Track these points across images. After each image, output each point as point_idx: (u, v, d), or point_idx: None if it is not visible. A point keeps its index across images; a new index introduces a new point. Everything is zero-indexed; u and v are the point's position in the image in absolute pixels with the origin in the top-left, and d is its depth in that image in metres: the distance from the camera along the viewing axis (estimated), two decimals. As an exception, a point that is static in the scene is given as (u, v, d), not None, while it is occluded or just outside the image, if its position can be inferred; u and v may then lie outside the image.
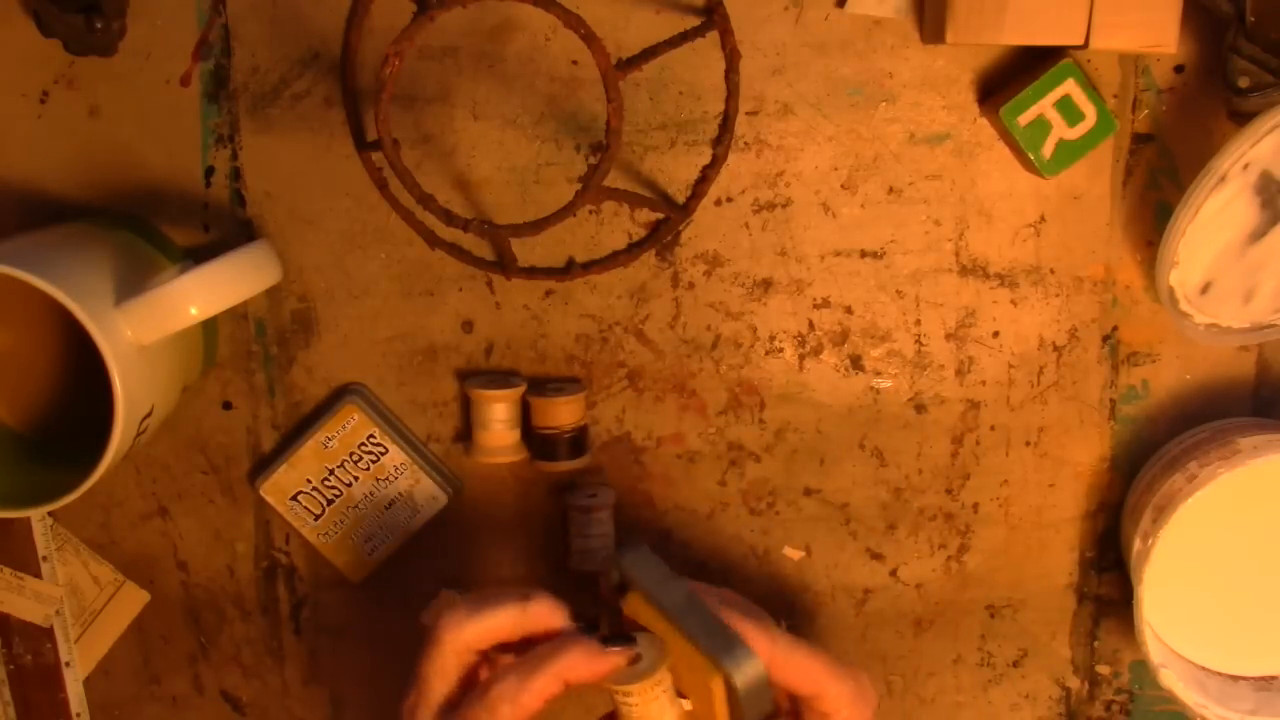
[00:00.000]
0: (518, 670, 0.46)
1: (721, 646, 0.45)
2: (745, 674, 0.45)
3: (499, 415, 0.58)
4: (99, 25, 0.54)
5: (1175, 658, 0.58)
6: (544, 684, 0.46)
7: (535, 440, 0.58)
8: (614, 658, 0.46)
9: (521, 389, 0.58)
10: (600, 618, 0.48)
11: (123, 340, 0.49)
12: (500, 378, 0.59)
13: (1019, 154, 0.56)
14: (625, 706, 0.46)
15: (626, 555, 0.49)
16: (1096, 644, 0.62)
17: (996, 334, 0.59)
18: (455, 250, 0.58)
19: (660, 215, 0.58)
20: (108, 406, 0.49)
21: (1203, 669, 0.59)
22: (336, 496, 0.60)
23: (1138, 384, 0.59)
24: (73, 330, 0.55)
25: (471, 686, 0.48)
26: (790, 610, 0.61)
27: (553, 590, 0.48)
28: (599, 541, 0.59)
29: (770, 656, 0.47)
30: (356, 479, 0.59)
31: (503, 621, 0.48)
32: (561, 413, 0.57)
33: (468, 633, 0.47)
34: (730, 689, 0.45)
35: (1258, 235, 0.54)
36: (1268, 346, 0.59)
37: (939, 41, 0.53)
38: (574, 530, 0.59)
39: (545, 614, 0.48)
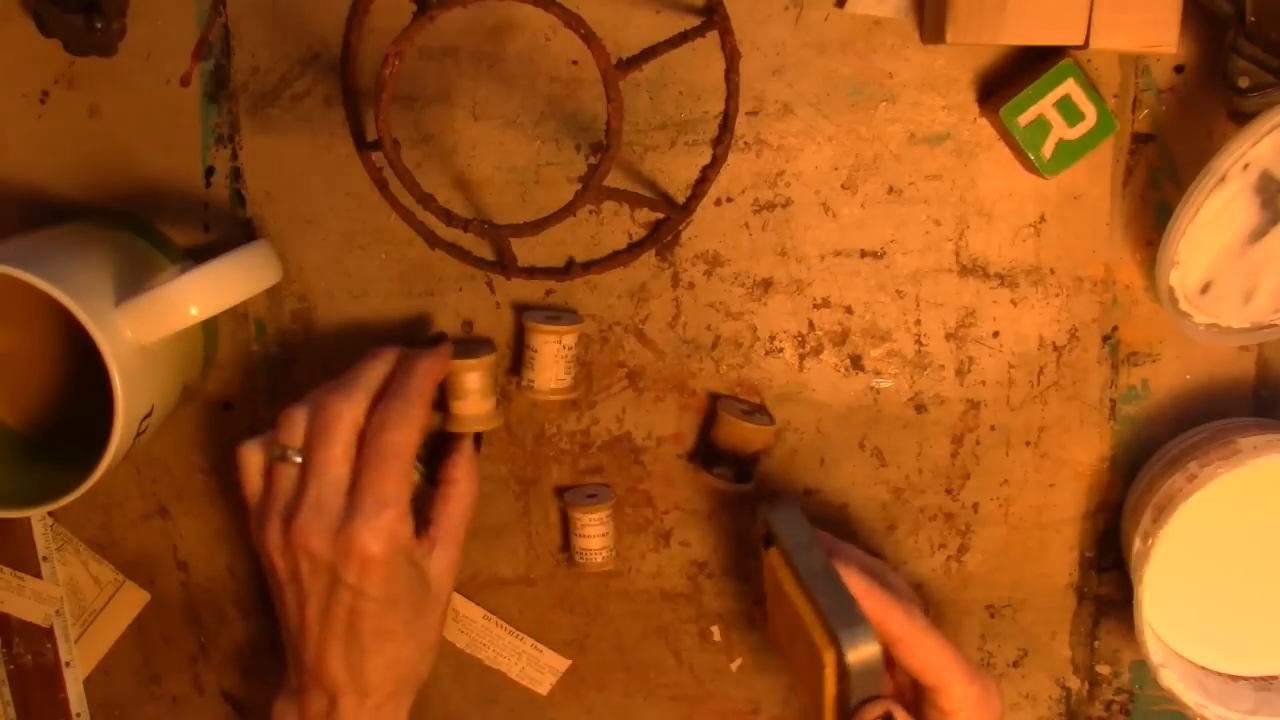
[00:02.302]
0: (398, 398, 0.52)
1: (843, 621, 0.47)
2: (859, 653, 0.47)
3: (472, 385, 0.57)
4: (99, 25, 0.54)
5: (1175, 658, 0.58)
6: (423, 395, 0.53)
7: (709, 447, 0.59)
8: (445, 348, 0.55)
9: (492, 357, 0.58)
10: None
11: (123, 340, 0.49)
12: (471, 347, 0.59)
13: (1019, 154, 0.56)
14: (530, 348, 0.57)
15: (776, 511, 0.50)
16: (1096, 644, 0.62)
17: (996, 334, 0.59)
18: (455, 250, 0.58)
19: (660, 215, 0.58)
20: (108, 406, 0.49)
21: (1203, 669, 0.59)
22: (336, 496, 0.60)
23: (1138, 384, 0.59)
24: (73, 330, 0.55)
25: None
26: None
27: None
28: (599, 541, 0.59)
29: (902, 637, 0.49)
30: (356, 479, 0.59)
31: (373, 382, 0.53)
32: (745, 437, 0.58)
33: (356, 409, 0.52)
34: (841, 664, 0.46)
35: (1258, 235, 0.54)
36: (1268, 346, 0.59)
37: (939, 41, 0.53)
38: (574, 530, 0.59)
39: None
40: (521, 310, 0.59)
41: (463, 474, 0.55)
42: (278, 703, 0.55)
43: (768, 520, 0.51)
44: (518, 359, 0.59)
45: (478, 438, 0.58)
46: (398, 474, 0.51)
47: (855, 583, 0.49)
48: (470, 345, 0.58)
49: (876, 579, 0.51)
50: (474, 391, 0.57)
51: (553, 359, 0.57)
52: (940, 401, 0.59)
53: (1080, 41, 0.52)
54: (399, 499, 0.51)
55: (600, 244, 0.58)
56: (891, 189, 0.57)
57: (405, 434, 0.51)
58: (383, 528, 0.50)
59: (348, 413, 0.52)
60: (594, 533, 0.59)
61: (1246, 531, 0.58)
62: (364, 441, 0.52)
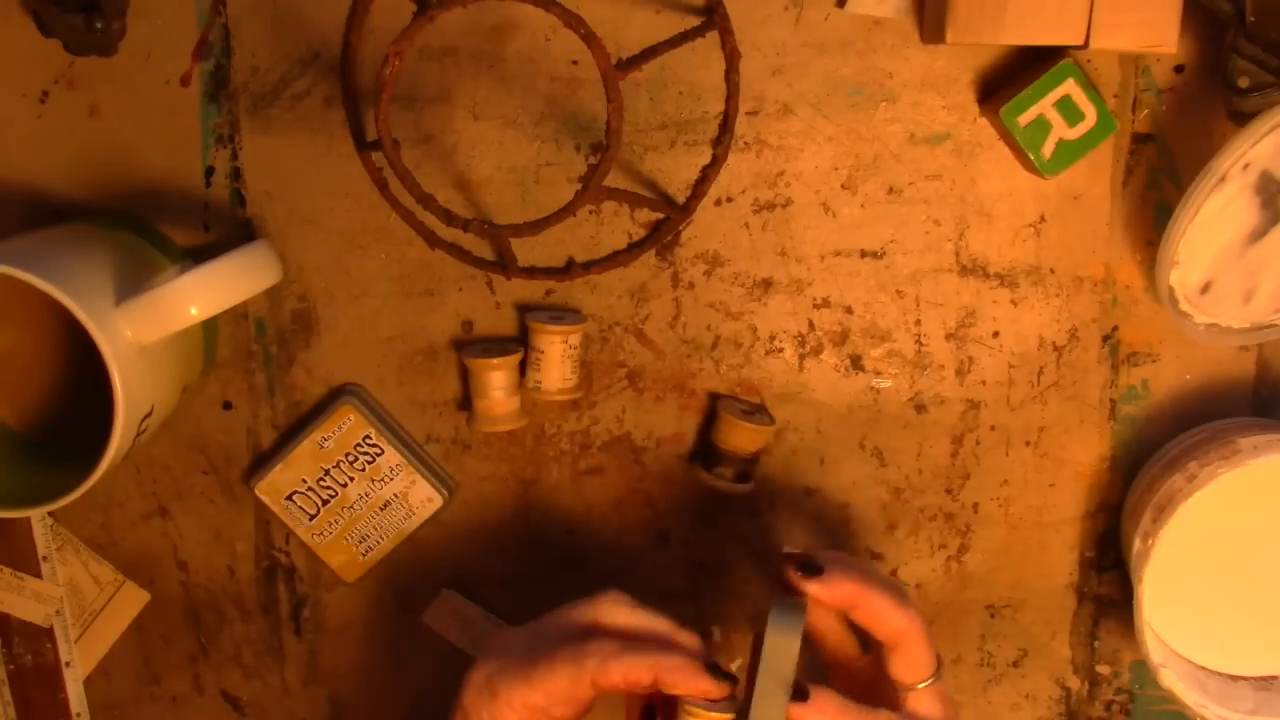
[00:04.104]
0: (623, 644, 0.45)
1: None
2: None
3: (497, 383, 0.58)
4: (99, 25, 0.54)
5: (1175, 658, 0.58)
6: (639, 664, 0.45)
7: (709, 447, 0.58)
8: (708, 683, 0.45)
9: (519, 355, 0.58)
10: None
11: (123, 340, 0.49)
12: (497, 346, 0.59)
13: (1019, 154, 0.56)
14: None
15: (776, 611, 0.46)
16: (1096, 644, 0.62)
17: (996, 334, 0.59)
18: (455, 250, 0.58)
19: (660, 215, 0.58)
20: (108, 406, 0.49)
21: (1203, 669, 0.59)
22: (331, 497, 0.60)
23: (1138, 384, 0.59)
24: (73, 330, 0.55)
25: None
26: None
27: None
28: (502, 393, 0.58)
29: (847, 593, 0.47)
30: (352, 479, 0.59)
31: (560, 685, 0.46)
32: (745, 437, 0.58)
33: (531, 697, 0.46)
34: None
35: (1258, 235, 0.54)
36: (1268, 346, 0.59)
37: (939, 41, 0.53)
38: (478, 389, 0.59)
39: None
40: (522, 310, 0.59)
41: None
42: None
43: (768, 618, 0.46)
44: (522, 360, 0.59)
45: None
46: (569, 672, 0.45)
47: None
48: (495, 345, 0.58)
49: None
50: (498, 389, 0.57)
51: (559, 359, 0.57)
52: (940, 401, 0.59)
53: (1080, 41, 0.52)
54: (548, 690, 0.46)
55: (600, 244, 0.58)
56: (891, 189, 0.57)
57: (618, 667, 0.45)
58: (500, 687, 0.46)
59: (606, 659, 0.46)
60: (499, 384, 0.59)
61: (1246, 531, 0.58)
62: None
